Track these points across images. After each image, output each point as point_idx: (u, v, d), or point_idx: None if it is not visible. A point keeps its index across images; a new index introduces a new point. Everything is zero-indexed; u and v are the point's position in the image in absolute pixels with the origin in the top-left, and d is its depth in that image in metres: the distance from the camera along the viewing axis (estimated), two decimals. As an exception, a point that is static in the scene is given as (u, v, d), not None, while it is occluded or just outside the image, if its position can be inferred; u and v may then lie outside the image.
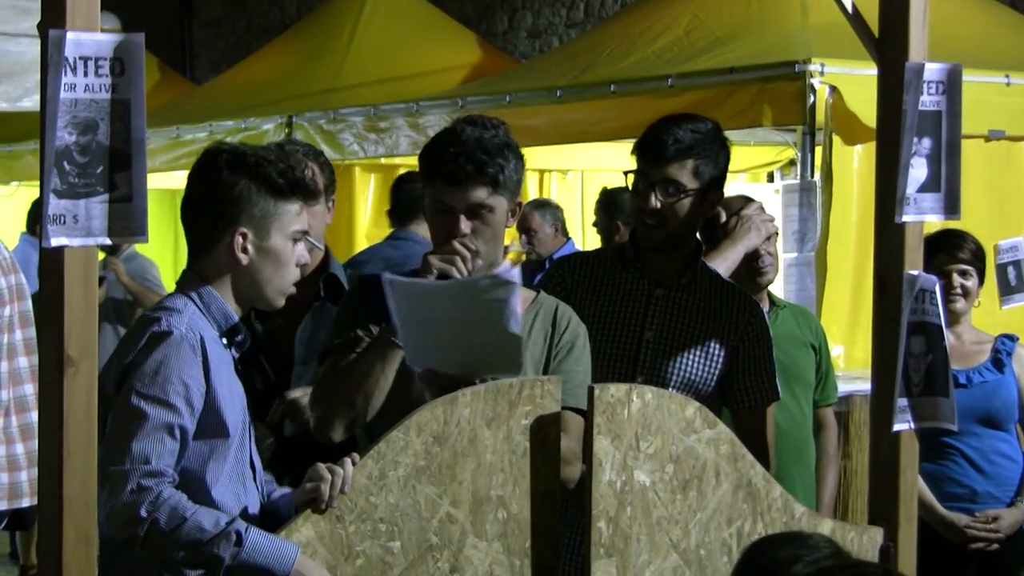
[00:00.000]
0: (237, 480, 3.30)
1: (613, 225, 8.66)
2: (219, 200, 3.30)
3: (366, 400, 3.57)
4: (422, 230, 6.86)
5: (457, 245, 3.59)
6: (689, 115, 4.23)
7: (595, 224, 9.06)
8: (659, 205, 4.07)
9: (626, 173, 4.21)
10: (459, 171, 3.60)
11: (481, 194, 3.62)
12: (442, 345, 3.51)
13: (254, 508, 3.34)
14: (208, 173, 3.33)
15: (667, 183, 4.07)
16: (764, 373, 4.24)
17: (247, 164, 3.31)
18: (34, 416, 5.35)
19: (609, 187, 9.01)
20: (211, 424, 3.23)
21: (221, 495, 3.24)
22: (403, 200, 6.67)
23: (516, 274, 3.42)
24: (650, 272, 4.19)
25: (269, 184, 3.31)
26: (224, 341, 3.33)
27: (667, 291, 4.16)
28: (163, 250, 9.78)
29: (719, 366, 4.17)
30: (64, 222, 2.88)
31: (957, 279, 5.20)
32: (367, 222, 10.05)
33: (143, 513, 3.08)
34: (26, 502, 5.35)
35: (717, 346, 4.17)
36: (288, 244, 3.35)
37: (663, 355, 4.11)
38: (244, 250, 3.31)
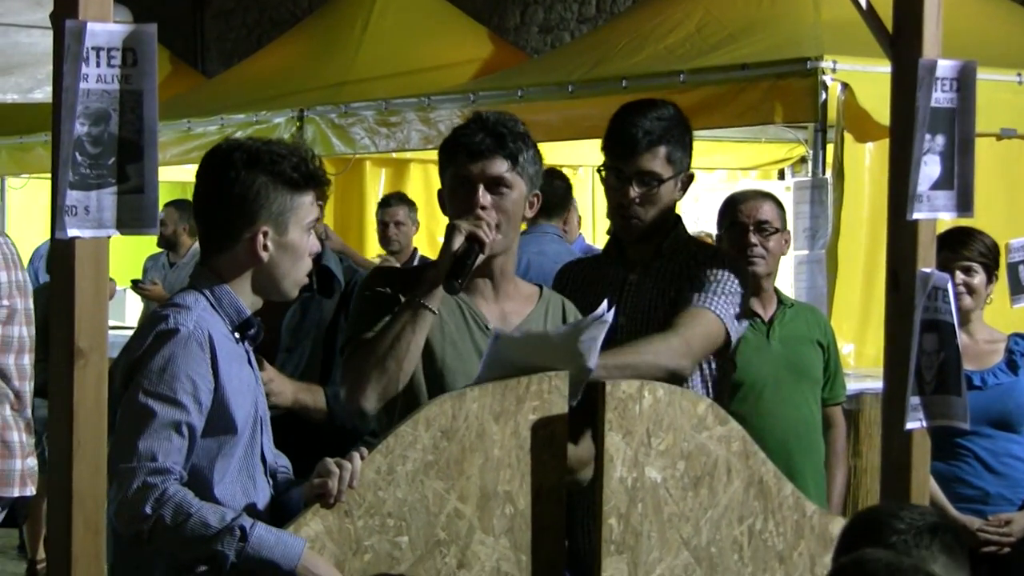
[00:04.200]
0: (246, 475, 3.30)
1: None
2: (237, 199, 3.29)
3: (398, 365, 3.57)
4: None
5: (480, 212, 3.65)
6: (650, 101, 4.19)
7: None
8: (637, 198, 4.07)
9: (599, 169, 4.19)
10: (480, 144, 3.68)
11: (501, 167, 3.70)
12: None
13: (264, 503, 3.33)
14: (223, 171, 3.32)
15: (643, 175, 4.07)
16: (706, 281, 4.03)
17: (263, 161, 3.30)
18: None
19: None
20: (219, 420, 3.23)
21: (227, 491, 3.24)
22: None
23: (611, 314, 3.47)
24: (628, 259, 4.18)
25: (285, 179, 3.31)
26: (236, 336, 3.33)
27: (639, 275, 4.14)
28: (172, 243, 9.74)
29: None
30: (76, 213, 2.87)
31: (960, 276, 5.16)
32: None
33: (148, 510, 3.08)
34: (15, 491, 5.42)
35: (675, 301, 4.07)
36: (304, 236, 3.36)
37: (634, 337, 4.03)
38: (265, 247, 3.31)
